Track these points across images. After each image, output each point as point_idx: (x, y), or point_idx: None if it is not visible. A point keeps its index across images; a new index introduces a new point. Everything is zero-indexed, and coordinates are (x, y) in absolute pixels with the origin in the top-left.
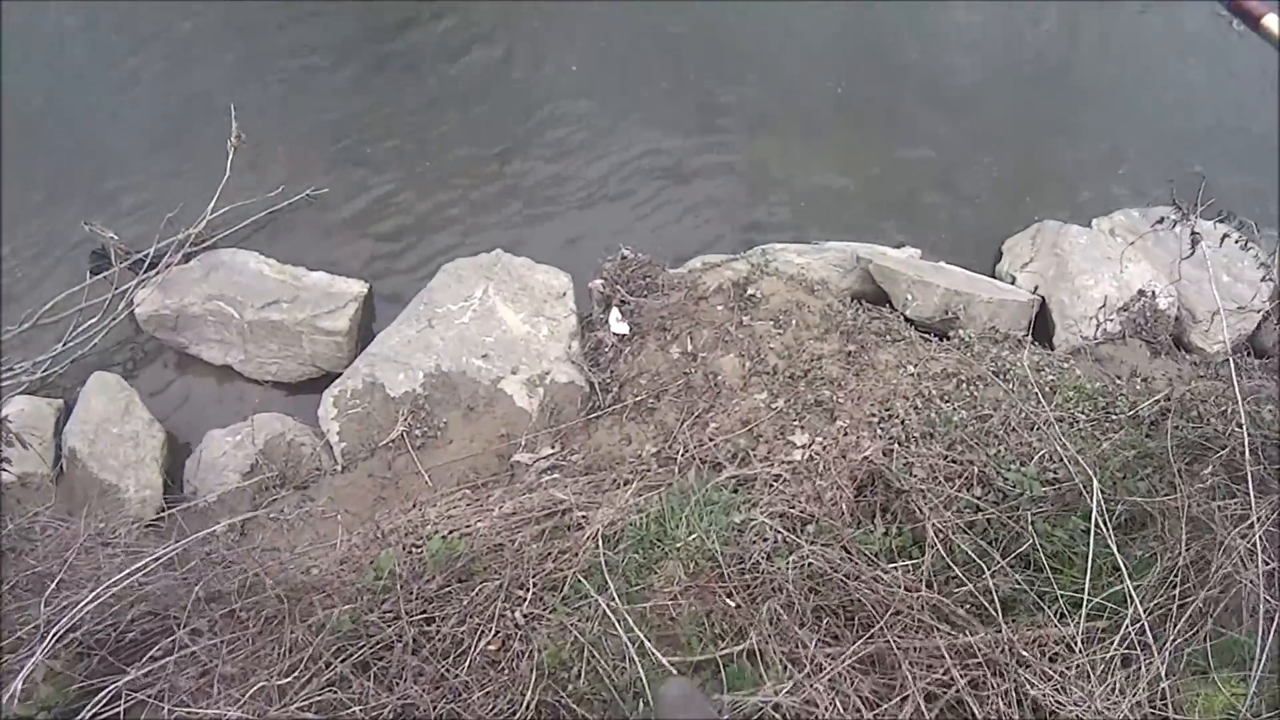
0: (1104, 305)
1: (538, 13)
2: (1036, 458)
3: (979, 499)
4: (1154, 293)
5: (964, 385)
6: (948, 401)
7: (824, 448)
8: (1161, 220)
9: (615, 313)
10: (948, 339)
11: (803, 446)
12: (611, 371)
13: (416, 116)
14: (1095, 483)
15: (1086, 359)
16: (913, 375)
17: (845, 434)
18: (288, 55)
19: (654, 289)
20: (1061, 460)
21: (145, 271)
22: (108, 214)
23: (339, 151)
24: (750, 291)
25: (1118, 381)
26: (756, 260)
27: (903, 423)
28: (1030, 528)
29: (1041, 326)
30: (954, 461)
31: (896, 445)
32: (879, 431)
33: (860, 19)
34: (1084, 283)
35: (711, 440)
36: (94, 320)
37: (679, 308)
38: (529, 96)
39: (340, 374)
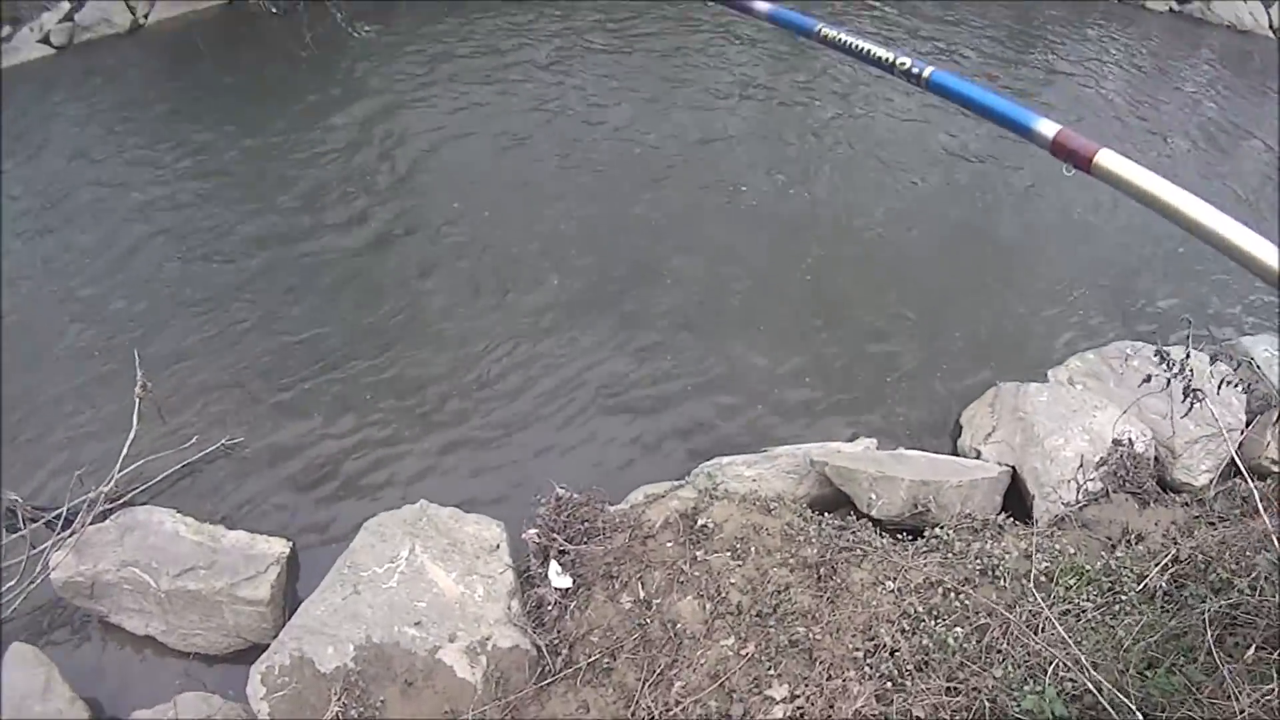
0: (1081, 465)
1: (458, 248)
2: (1050, 670)
3: None
4: (1130, 440)
5: (951, 594)
6: (937, 618)
7: (808, 699)
8: (1149, 379)
9: (555, 566)
10: (921, 536)
11: (783, 701)
12: (559, 631)
13: (336, 355)
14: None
15: (1073, 527)
16: (893, 592)
17: (829, 678)
18: (203, 296)
19: (594, 533)
20: (1080, 665)
21: (61, 531)
22: (29, 466)
23: (256, 396)
24: (701, 521)
25: (1115, 551)
26: (703, 485)
27: (892, 653)
28: None
29: (1016, 498)
30: (958, 692)
31: (889, 685)
32: (867, 669)
33: (763, 211)
34: (1054, 444)
35: (679, 704)
36: (12, 584)
37: (624, 551)
38: (452, 330)
39: (268, 645)
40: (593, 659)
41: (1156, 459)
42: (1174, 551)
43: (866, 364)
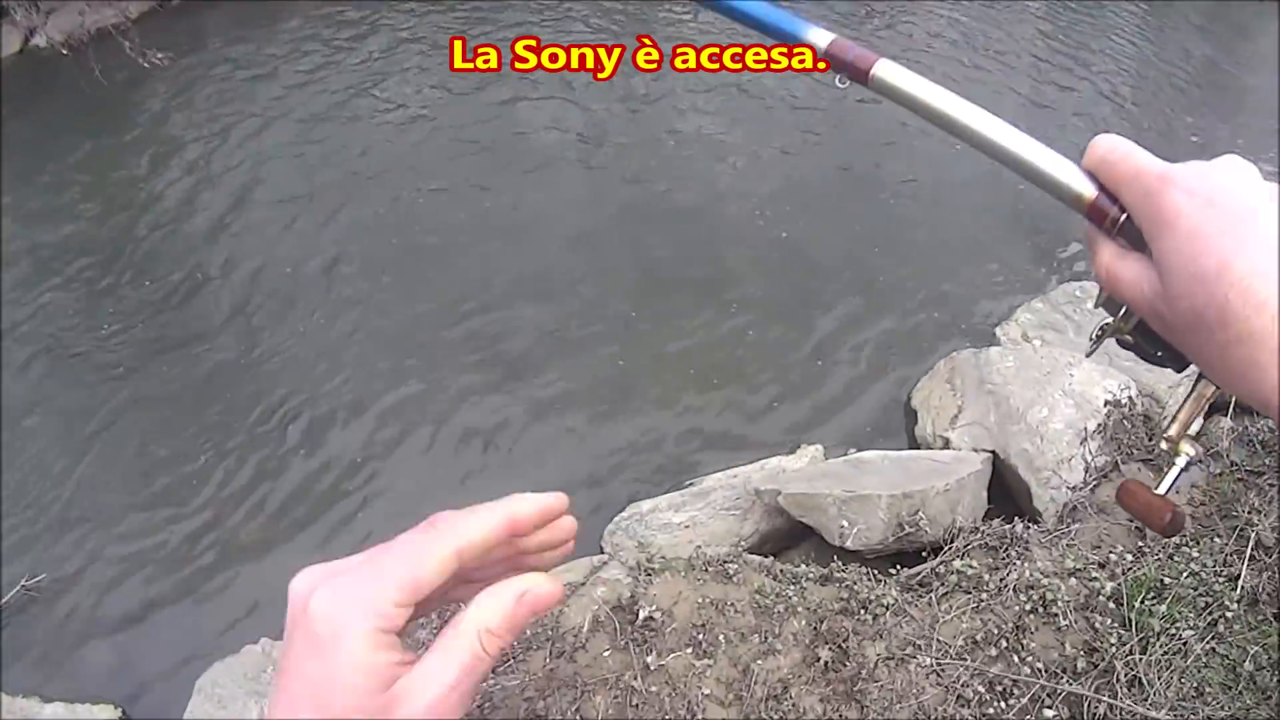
0: (1084, 438)
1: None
2: None
3: None
4: (1130, 399)
5: (1010, 655)
6: (1005, 695)
7: None
8: None
9: None
10: (928, 567)
11: None
12: None
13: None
14: None
15: (1089, 515)
16: (932, 670)
17: None
18: None
19: (501, 658)
20: None
21: None
22: None
23: (46, 520)
24: (644, 612)
25: (1161, 542)
26: (633, 557)
27: None
28: None
29: (1000, 489)
30: None
31: None
32: None
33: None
34: (1038, 417)
35: None
36: None
37: (548, 676)
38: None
39: None
40: None
41: (1145, 415)
42: (1253, 535)
43: (779, 360)
